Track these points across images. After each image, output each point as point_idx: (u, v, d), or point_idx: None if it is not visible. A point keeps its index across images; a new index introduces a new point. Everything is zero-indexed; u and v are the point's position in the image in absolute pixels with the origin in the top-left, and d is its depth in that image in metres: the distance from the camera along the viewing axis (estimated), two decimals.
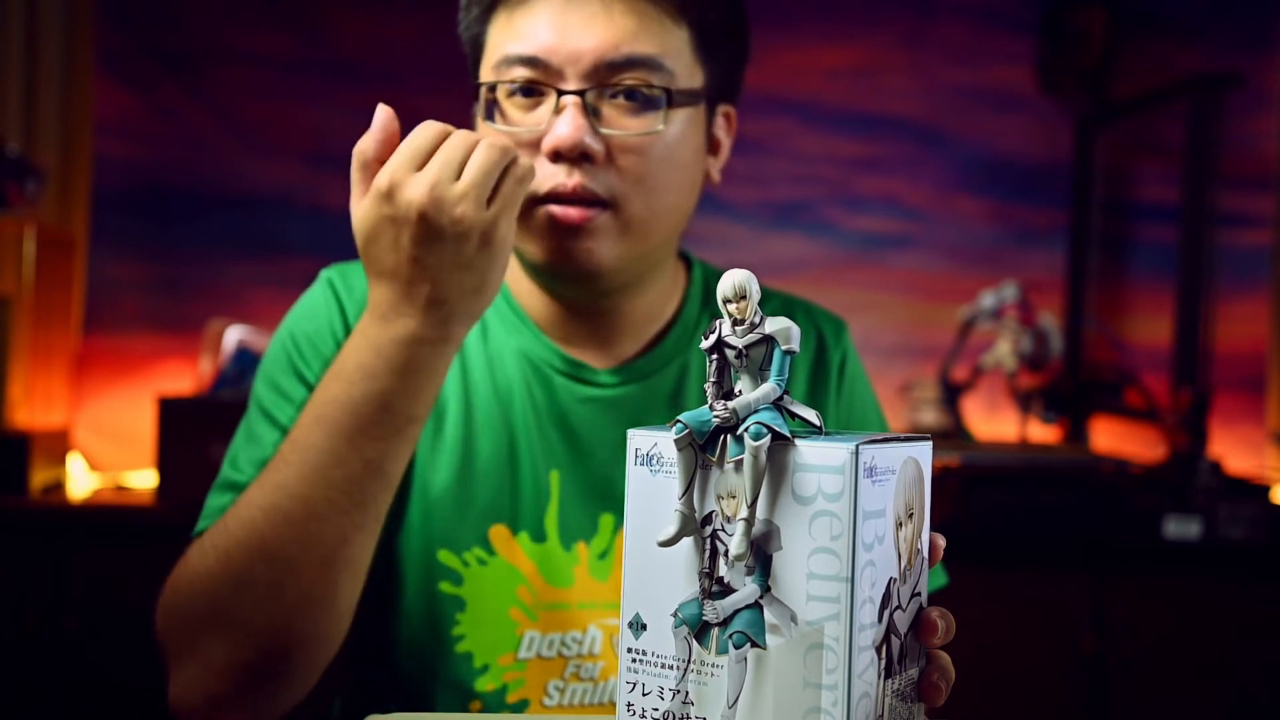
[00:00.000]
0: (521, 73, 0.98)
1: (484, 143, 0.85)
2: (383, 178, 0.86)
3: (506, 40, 0.99)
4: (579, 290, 1.04)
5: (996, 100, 3.02)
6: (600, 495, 1.05)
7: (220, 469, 1.02)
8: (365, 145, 0.88)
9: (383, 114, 0.88)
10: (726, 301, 0.67)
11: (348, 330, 1.04)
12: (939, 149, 3.01)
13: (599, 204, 0.98)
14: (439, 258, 0.85)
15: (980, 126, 3.01)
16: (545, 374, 1.07)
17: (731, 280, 0.66)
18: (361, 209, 0.88)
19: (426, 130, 0.86)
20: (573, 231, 0.98)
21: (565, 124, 0.96)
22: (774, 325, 0.66)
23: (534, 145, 0.98)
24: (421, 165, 0.85)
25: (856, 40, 3.00)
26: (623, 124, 0.98)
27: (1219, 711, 2.34)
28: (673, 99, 0.99)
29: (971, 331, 2.76)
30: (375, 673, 1.06)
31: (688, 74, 1.01)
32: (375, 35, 2.84)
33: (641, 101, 0.99)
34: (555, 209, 0.98)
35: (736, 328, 0.67)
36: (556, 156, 0.97)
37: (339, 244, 3.13)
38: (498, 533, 1.03)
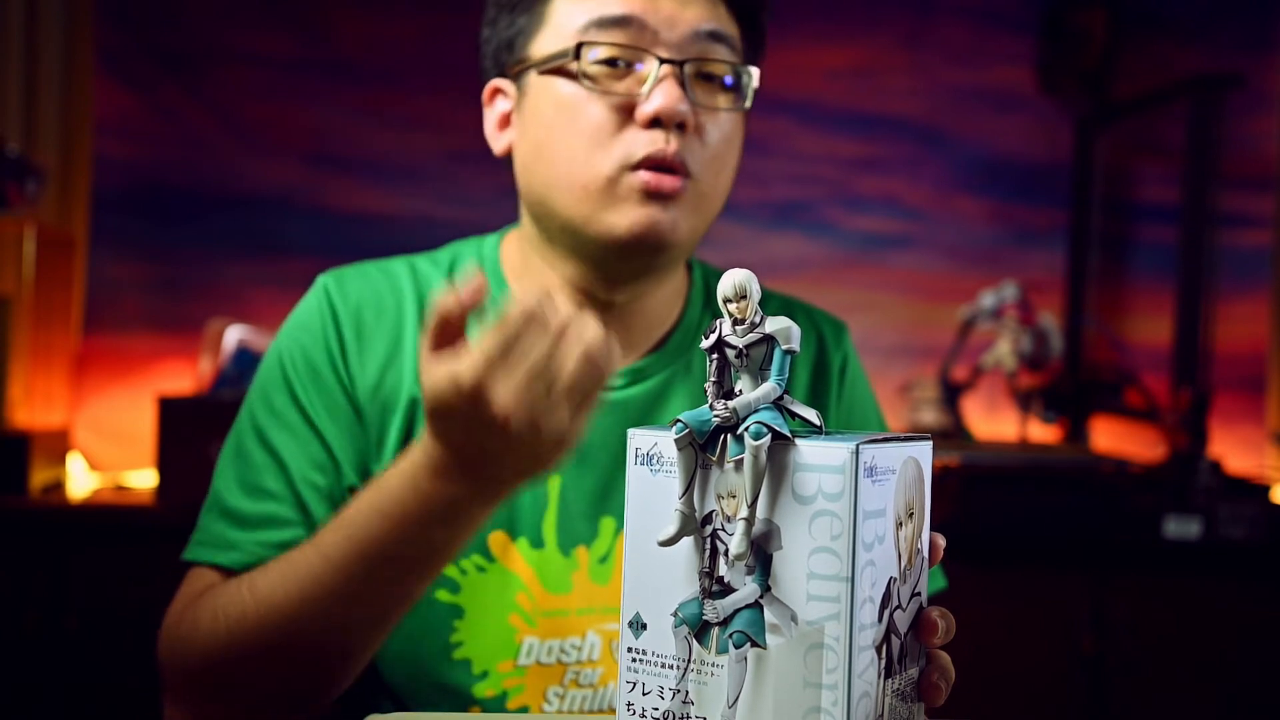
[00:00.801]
0: (618, 33, 0.98)
1: (582, 354, 0.76)
2: (467, 374, 0.75)
3: (587, 6, 0.99)
4: (637, 264, 1.02)
5: (996, 100, 3.02)
6: (601, 499, 1.05)
7: (212, 482, 1.01)
8: (448, 302, 0.78)
9: (475, 280, 0.78)
10: (727, 301, 0.67)
11: (341, 342, 1.03)
12: (939, 149, 3.01)
13: (686, 174, 0.99)
14: (515, 456, 0.79)
15: (980, 126, 3.01)
16: None
17: (732, 280, 0.66)
18: (436, 385, 0.77)
19: (515, 322, 0.76)
20: (664, 200, 0.98)
21: (668, 91, 0.97)
22: (774, 325, 0.66)
23: (626, 111, 0.98)
24: (507, 357, 0.76)
25: (856, 40, 3.00)
26: (709, 99, 1.00)
27: (1219, 711, 2.34)
28: (753, 77, 1.02)
29: (971, 331, 2.76)
30: (373, 681, 1.06)
31: (744, 55, 1.04)
32: (375, 35, 2.84)
33: (721, 79, 1.01)
34: (651, 178, 0.98)
35: (737, 327, 0.67)
36: (654, 123, 0.98)
37: (339, 244, 3.13)
38: (496, 539, 1.03)
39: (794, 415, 0.66)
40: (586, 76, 0.99)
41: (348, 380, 1.03)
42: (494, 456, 0.79)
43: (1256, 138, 3.01)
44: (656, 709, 0.68)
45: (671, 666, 0.68)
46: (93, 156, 2.73)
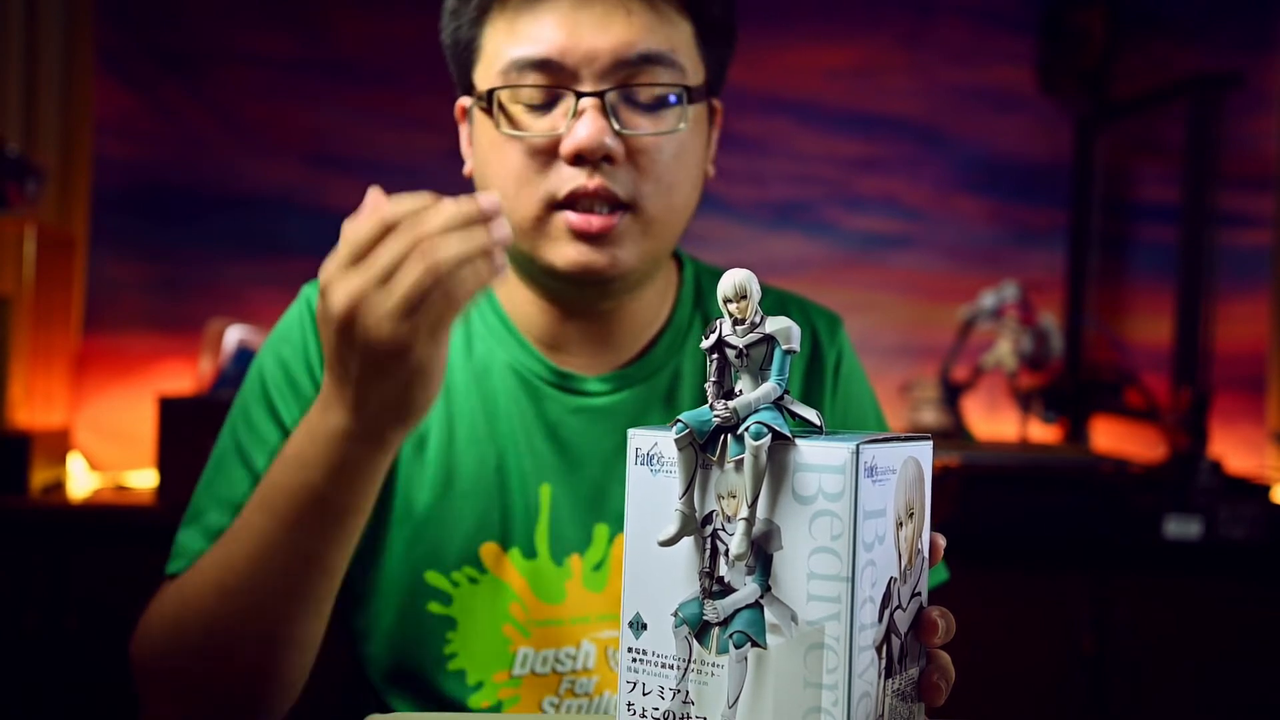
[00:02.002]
0: (533, 78, 0.96)
1: (418, 252, 0.77)
2: (323, 273, 0.80)
3: (510, 44, 0.96)
4: (592, 294, 1.02)
5: (996, 100, 3.01)
6: (594, 506, 1.04)
7: (193, 493, 1.02)
8: (346, 227, 0.81)
9: (370, 197, 0.81)
10: (727, 301, 0.67)
11: (321, 352, 1.03)
12: (939, 149, 3.01)
13: (620, 207, 0.97)
14: (358, 365, 0.79)
15: (980, 126, 3.01)
16: (534, 386, 1.05)
17: (732, 280, 0.66)
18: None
19: (368, 224, 0.79)
20: (596, 239, 0.96)
21: (586, 126, 0.94)
22: (774, 325, 0.66)
23: (549, 151, 0.96)
24: (357, 262, 0.78)
25: (856, 40, 3.00)
26: (641, 123, 0.97)
27: (1219, 711, 2.34)
28: (691, 96, 0.98)
29: (971, 331, 2.76)
30: (368, 693, 1.06)
31: (694, 70, 1.00)
32: (375, 35, 2.84)
33: (657, 100, 0.97)
34: (575, 219, 0.96)
35: (737, 327, 0.67)
36: (578, 160, 0.95)
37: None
38: (488, 550, 1.02)
39: (794, 415, 0.66)
40: (506, 120, 0.97)
41: None
42: (348, 372, 0.80)
43: (1256, 137, 3.01)
44: (657, 709, 0.68)
45: (672, 666, 0.68)
46: (93, 156, 2.73)
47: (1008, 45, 3.02)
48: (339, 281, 0.78)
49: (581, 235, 0.96)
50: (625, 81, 0.96)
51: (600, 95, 0.95)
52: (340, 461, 0.83)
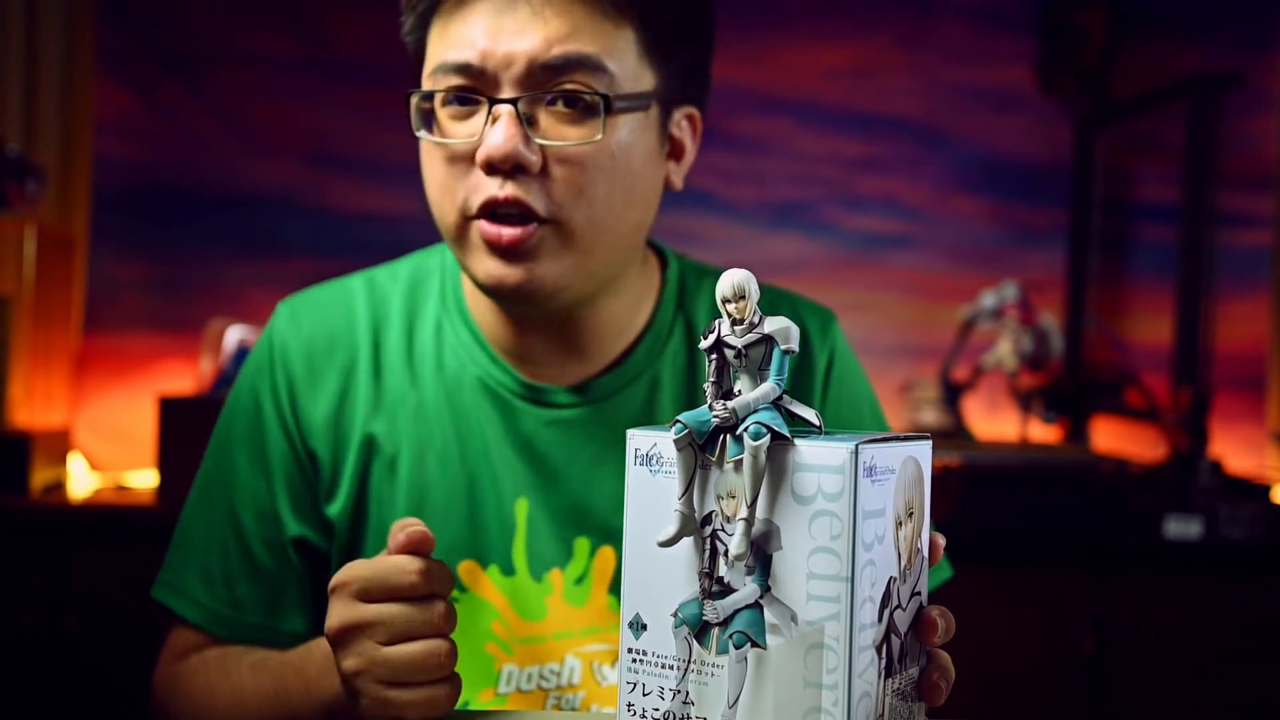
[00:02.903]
0: (455, 81, 0.93)
1: (432, 644, 0.79)
2: (345, 571, 0.81)
3: (442, 48, 0.94)
4: (528, 309, 0.98)
5: (996, 100, 3.01)
6: (573, 519, 1.02)
7: (181, 513, 1.06)
8: (393, 558, 0.81)
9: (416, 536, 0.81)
10: (726, 301, 0.67)
11: (290, 383, 1.04)
12: (939, 149, 3.01)
13: (535, 219, 0.92)
14: (346, 681, 0.81)
15: (980, 126, 3.01)
16: (505, 400, 1.03)
17: (731, 280, 0.66)
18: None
19: (403, 573, 0.80)
20: (509, 251, 0.93)
21: (497, 134, 0.90)
22: (773, 325, 0.66)
23: (468, 158, 0.93)
24: (380, 598, 0.79)
25: (856, 40, 3.00)
26: (559, 133, 0.92)
27: (1219, 711, 2.34)
28: (611, 104, 0.92)
29: (972, 331, 2.76)
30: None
31: (633, 77, 0.94)
32: (375, 35, 2.84)
33: (581, 108, 0.92)
34: (487, 227, 0.92)
35: (735, 327, 0.67)
36: (490, 169, 0.91)
37: (339, 244, 3.13)
38: (466, 568, 1.01)
39: (793, 415, 0.66)
40: (429, 126, 0.96)
41: (294, 425, 1.03)
42: (340, 672, 0.81)
43: (1256, 137, 3.01)
44: (657, 709, 0.68)
45: (672, 667, 0.68)
46: (93, 156, 2.73)
47: (1008, 45, 3.02)
48: (359, 626, 0.79)
49: (495, 247, 0.93)
50: (541, 87, 0.92)
51: (513, 102, 0.91)
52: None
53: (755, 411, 0.65)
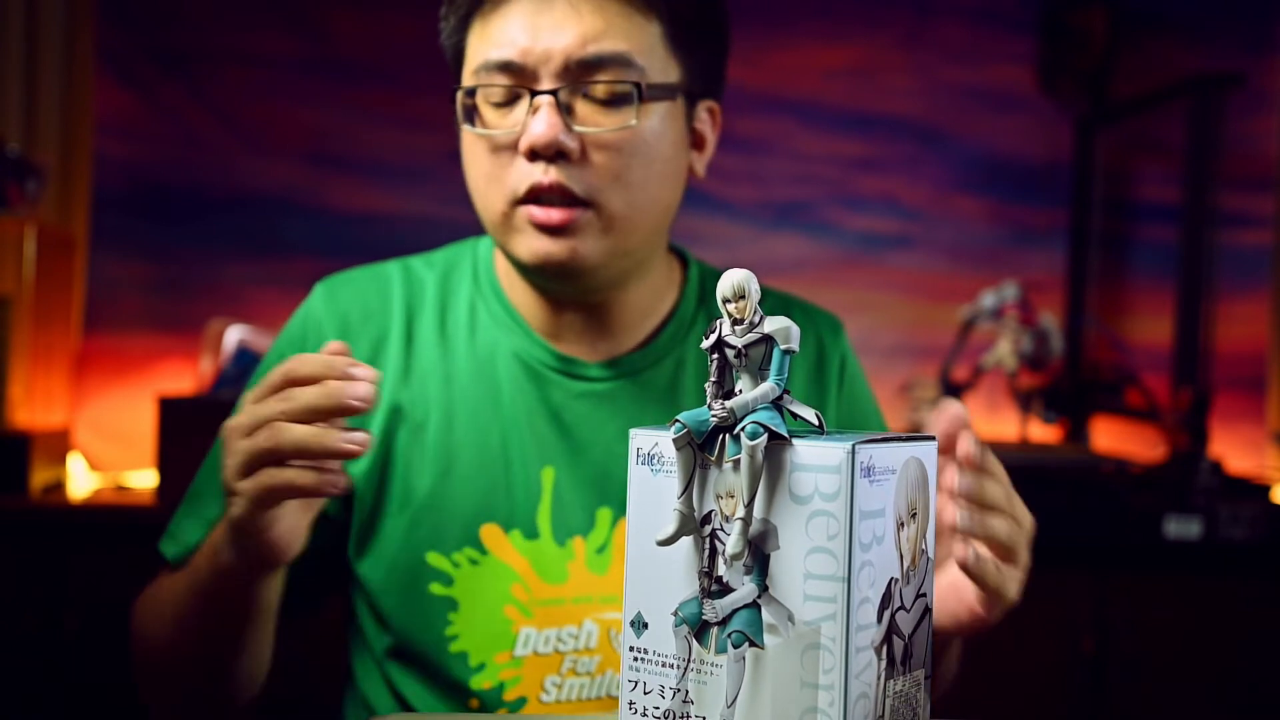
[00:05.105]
0: (499, 79, 1.00)
1: (269, 427, 0.81)
2: (248, 392, 0.86)
3: (484, 47, 1.01)
4: (566, 287, 1.05)
5: (996, 100, 3.01)
6: (597, 489, 1.05)
7: (199, 472, 1.07)
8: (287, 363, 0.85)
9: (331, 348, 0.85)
10: (726, 301, 0.67)
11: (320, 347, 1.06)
12: (939, 149, 3.01)
13: (579, 203, 0.99)
14: (232, 506, 0.85)
15: (980, 126, 3.01)
16: (537, 371, 1.08)
17: (731, 280, 0.67)
18: None
19: (278, 372, 0.82)
20: (555, 231, 0.99)
21: (539, 122, 0.97)
22: (773, 325, 0.66)
23: (511, 147, 1.00)
24: (268, 395, 0.82)
25: (855, 40, 3.00)
26: (596, 121, 0.99)
27: (1219, 711, 2.34)
28: (644, 93, 1.00)
29: (972, 331, 2.76)
30: (372, 675, 1.07)
31: (661, 69, 1.02)
32: (375, 35, 2.84)
33: (615, 98, 1.00)
34: (535, 211, 0.99)
35: (736, 327, 0.67)
36: (533, 155, 0.98)
37: (339, 244, 3.13)
38: (489, 532, 1.04)
39: (794, 415, 0.66)
40: (472, 120, 1.02)
41: None
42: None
43: (1256, 137, 3.01)
44: (658, 708, 0.68)
45: (672, 666, 0.68)
46: (93, 156, 2.73)
47: (1007, 45, 3.02)
48: (237, 412, 0.84)
49: (542, 227, 0.99)
50: (579, 79, 0.99)
51: (553, 93, 0.98)
52: (221, 568, 0.89)
53: (753, 411, 0.65)
